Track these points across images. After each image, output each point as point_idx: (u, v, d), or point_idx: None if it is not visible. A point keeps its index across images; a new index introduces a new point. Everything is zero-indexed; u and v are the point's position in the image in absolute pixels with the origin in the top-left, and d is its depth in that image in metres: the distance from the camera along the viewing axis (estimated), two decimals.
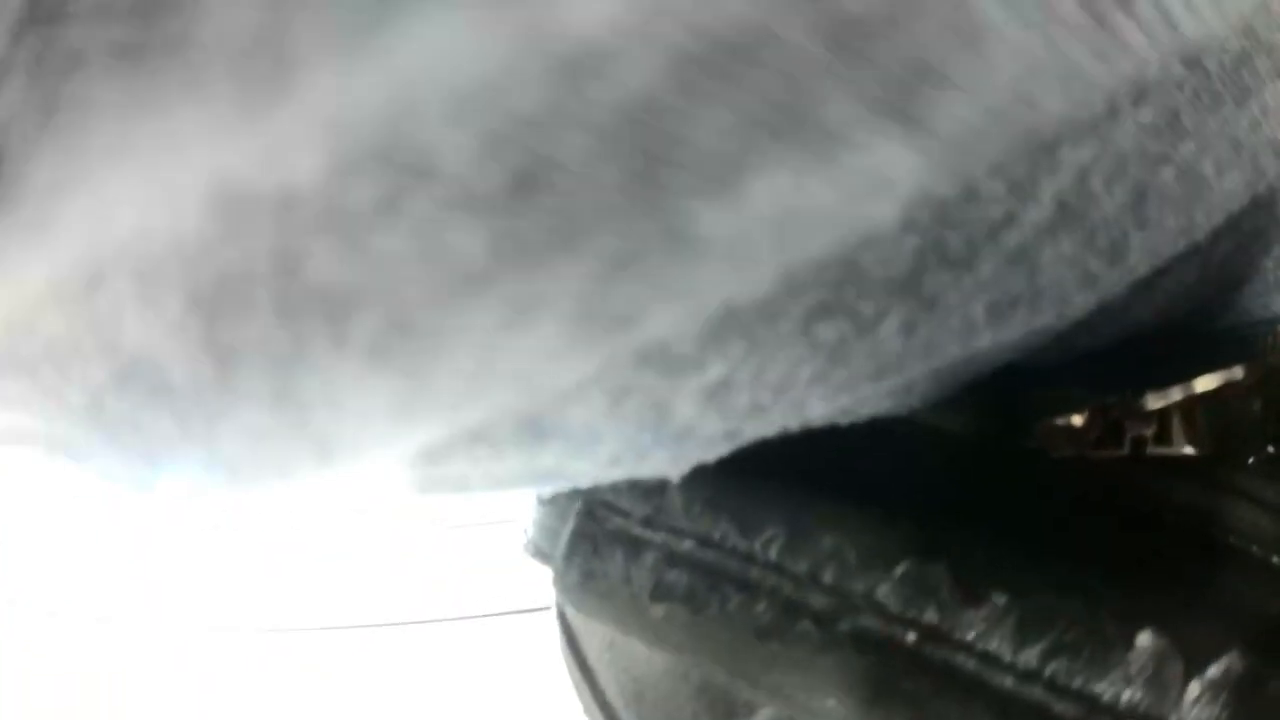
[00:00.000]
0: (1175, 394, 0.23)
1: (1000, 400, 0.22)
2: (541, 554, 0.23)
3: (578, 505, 0.22)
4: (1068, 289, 0.17)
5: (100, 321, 0.14)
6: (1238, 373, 0.24)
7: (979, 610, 0.18)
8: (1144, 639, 0.18)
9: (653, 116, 0.11)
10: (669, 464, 0.18)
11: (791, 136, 0.12)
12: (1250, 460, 0.24)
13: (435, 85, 0.11)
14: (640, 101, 0.11)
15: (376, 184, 0.12)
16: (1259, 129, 0.17)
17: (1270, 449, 0.24)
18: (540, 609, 0.25)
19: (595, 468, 0.18)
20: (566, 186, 0.12)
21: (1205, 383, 0.23)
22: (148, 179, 0.12)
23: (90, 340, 0.14)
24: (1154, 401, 0.23)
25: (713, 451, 0.18)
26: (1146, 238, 0.17)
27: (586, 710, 0.24)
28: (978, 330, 0.17)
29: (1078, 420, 0.24)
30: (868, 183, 0.13)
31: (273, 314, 0.13)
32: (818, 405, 0.17)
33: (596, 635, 0.23)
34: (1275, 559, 0.21)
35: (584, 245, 0.12)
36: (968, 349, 0.17)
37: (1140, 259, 0.17)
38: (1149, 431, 0.24)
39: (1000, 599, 0.18)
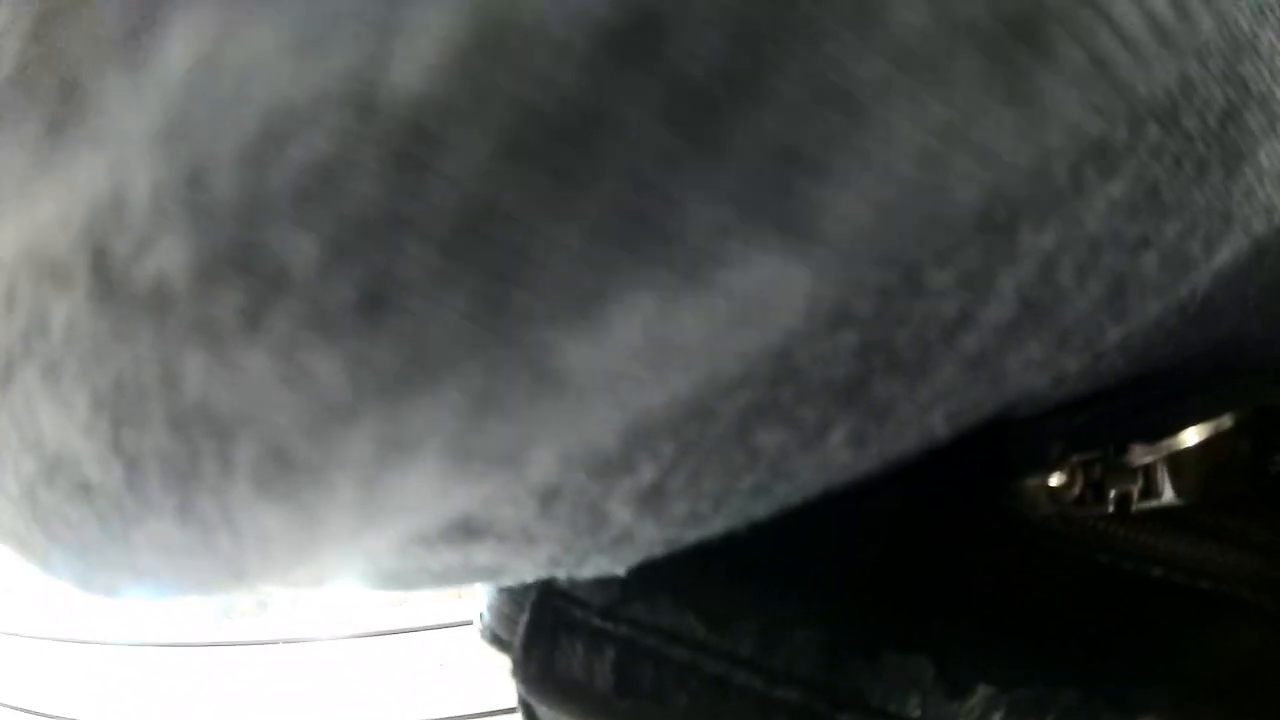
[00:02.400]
0: (1163, 449, 0.23)
1: (973, 459, 0.21)
2: (499, 641, 0.22)
3: (533, 595, 0.21)
4: (1038, 390, 0.16)
5: (19, 417, 0.14)
6: (1227, 422, 0.23)
7: (965, 703, 0.17)
8: (1134, 696, 0.16)
9: (493, 222, 0.10)
10: (610, 566, 0.17)
11: (651, 247, 0.10)
12: (1236, 501, 0.23)
13: (280, 175, 0.10)
14: (477, 202, 0.10)
15: (239, 292, 0.11)
16: (1253, 196, 0.14)
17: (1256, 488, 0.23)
18: None
19: (535, 567, 0.17)
20: (416, 309, 0.11)
21: (1196, 435, 0.22)
22: (37, 261, 0.12)
23: (14, 435, 0.14)
24: (1141, 456, 0.22)
25: (654, 553, 0.17)
26: (1126, 329, 0.15)
27: None
28: (937, 437, 0.15)
29: (1056, 479, 0.23)
30: (750, 303, 0.11)
31: (165, 427, 0.13)
32: (762, 513, 0.16)
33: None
34: (1266, 602, 0.20)
35: (443, 380, 0.11)
36: (926, 449, 0.16)
37: (1115, 346, 0.16)
38: (1135, 487, 0.23)
39: (987, 690, 0.17)
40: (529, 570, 0.17)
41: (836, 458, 0.15)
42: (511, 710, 0.22)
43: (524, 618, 0.21)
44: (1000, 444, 0.21)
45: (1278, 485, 0.23)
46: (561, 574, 0.17)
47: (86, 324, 0.12)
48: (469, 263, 0.11)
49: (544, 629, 0.20)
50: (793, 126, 0.10)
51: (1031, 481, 0.23)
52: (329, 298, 0.11)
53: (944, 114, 0.10)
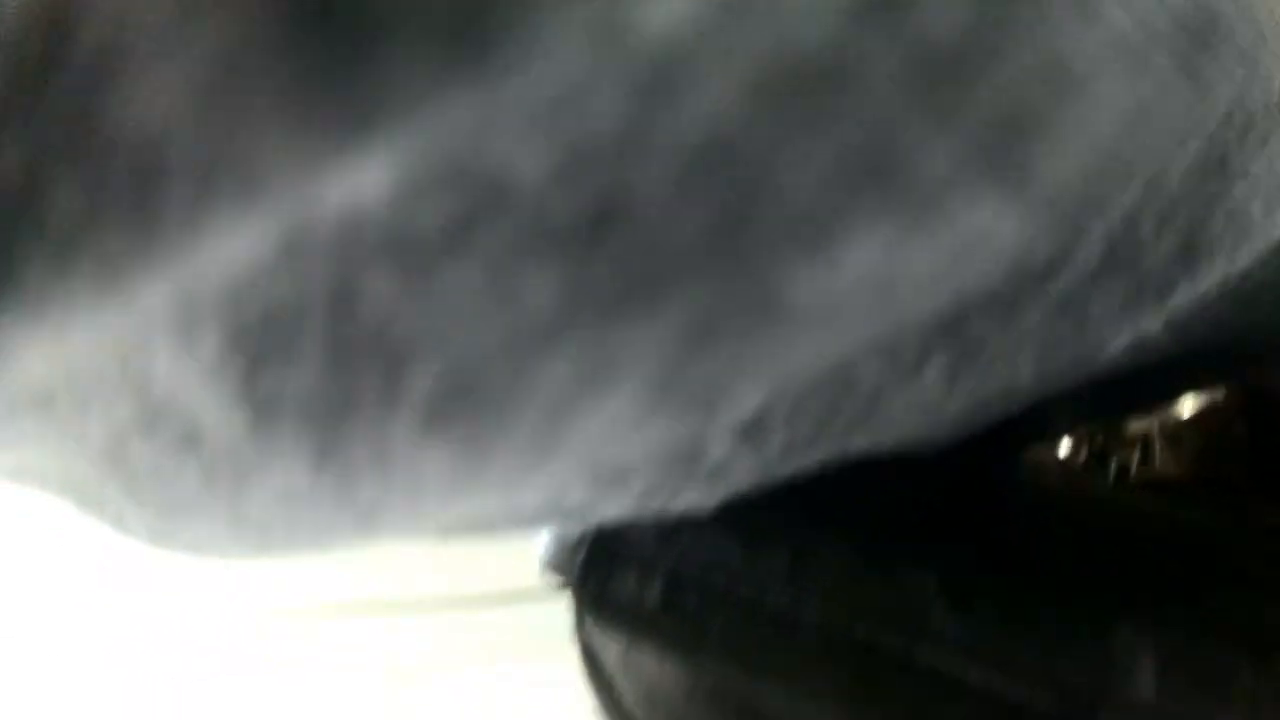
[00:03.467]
0: (1158, 417, 0.25)
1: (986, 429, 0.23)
2: (558, 572, 0.25)
3: (591, 526, 0.23)
4: (1110, 339, 0.16)
5: (128, 355, 0.13)
6: (1219, 395, 0.25)
7: (965, 616, 0.20)
8: (1121, 634, 0.19)
9: (733, 154, 0.11)
10: (700, 501, 0.17)
11: (881, 194, 0.11)
12: (1232, 480, 0.25)
13: (518, 95, 0.10)
14: (719, 134, 0.10)
15: (447, 208, 0.11)
16: None
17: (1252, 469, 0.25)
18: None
19: (623, 507, 0.17)
20: (645, 230, 0.11)
21: (1189, 405, 0.24)
22: (202, 197, 0.11)
23: (116, 375, 0.13)
24: (1137, 425, 0.24)
25: (744, 488, 0.17)
26: (1193, 287, 0.16)
27: (602, 716, 0.25)
28: (1020, 380, 0.16)
29: (1063, 448, 0.25)
30: (966, 246, 0.12)
31: (321, 359, 0.12)
32: (855, 446, 0.16)
33: (613, 646, 0.24)
34: (1253, 567, 0.21)
35: (664, 305, 0.11)
36: (1008, 397, 0.16)
37: (1183, 303, 0.16)
38: (1133, 457, 0.25)
39: (984, 604, 0.20)
40: (616, 509, 0.17)
41: (929, 393, 0.15)
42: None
43: (583, 548, 0.24)
44: (1012, 414, 0.23)
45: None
46: (649, 510, 0.17)
47: (246, 255, 0.11)
48: (705, 188, 0.11)
49: (601, 558, 0.23)
50: (1017, 91, 0.11)
51: (1041, 450, 0.25)
52: (554, 212, 0.11)
53: (1140, 94, 0.12)
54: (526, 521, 0.18)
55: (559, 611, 0.26)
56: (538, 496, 0.15)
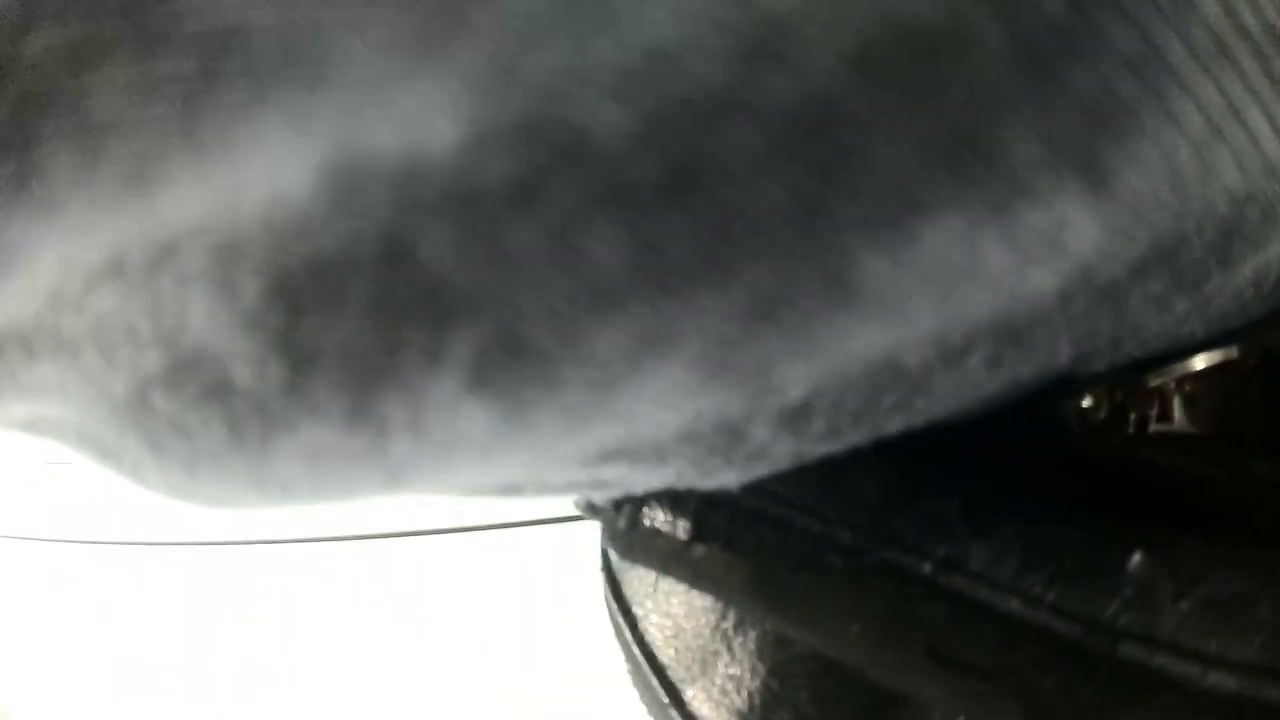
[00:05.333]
0: (1175, 371, 0.25)
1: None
2: (591, 508, 0.25)
3: None
4: (1149, 329, 0.16)
5: (162, 302, 0.12)
6: (1234, 353, 0.25)
7: (988, 541, 0.20)
8: (1136, 561, 0.19)
9: (829, 122, 0.10)
10: (735, 480, 0.17)
11: (971, 174, 0.11)
12: (1247, 438, 0.26)
13: (611, 49, 0.10)
14: (819, 100, 0.10)
15: (518, 162, 0.10)
16: None
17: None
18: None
19: (656, 482, 0.17)
20: (725, 194, 0.11)
21: (1203, 361, 0.25)
22: (254, 137, 0.10)
23: (146, 323, 0.13)
24: (1154, 379, 0.25)
25: (780, 467, 0.17)
26: (1226, 275, 0.16)
27: (623, 650, 0.26)
28: (1059, 362, 0.16)
29: (1086, 402, 0.26)
30: (1040, 243, 0.12)
31: (366, 312, 0.11)
32: (893, 429, 0.16)
33: (640, 579, 0.25)
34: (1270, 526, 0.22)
35: (734, 274, 0.11)
36: (1044, 376, 0.16)
37: (1215, 292, 0.16)
38: (1152, 411, 0.26)
39: (1006, 531, 0.20)
40: (647, 484, 0.17)
41: (973, 377, 0.15)
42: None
43: None
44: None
45: None
46: (681, 485, 0.17)
47: (297, 197, 0.11)
48: (794, 155, 0.10)
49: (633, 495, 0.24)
50: (1111, 85, 0.11)
51: (1064, 404, 0.26)
52: (632, 172, 0.10)
53: (1228, 96, 0.12)
54: (556, 491, 0.18)
55: (581, 538, 0.26)
56: (569, 468, 0.15)
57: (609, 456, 0.15)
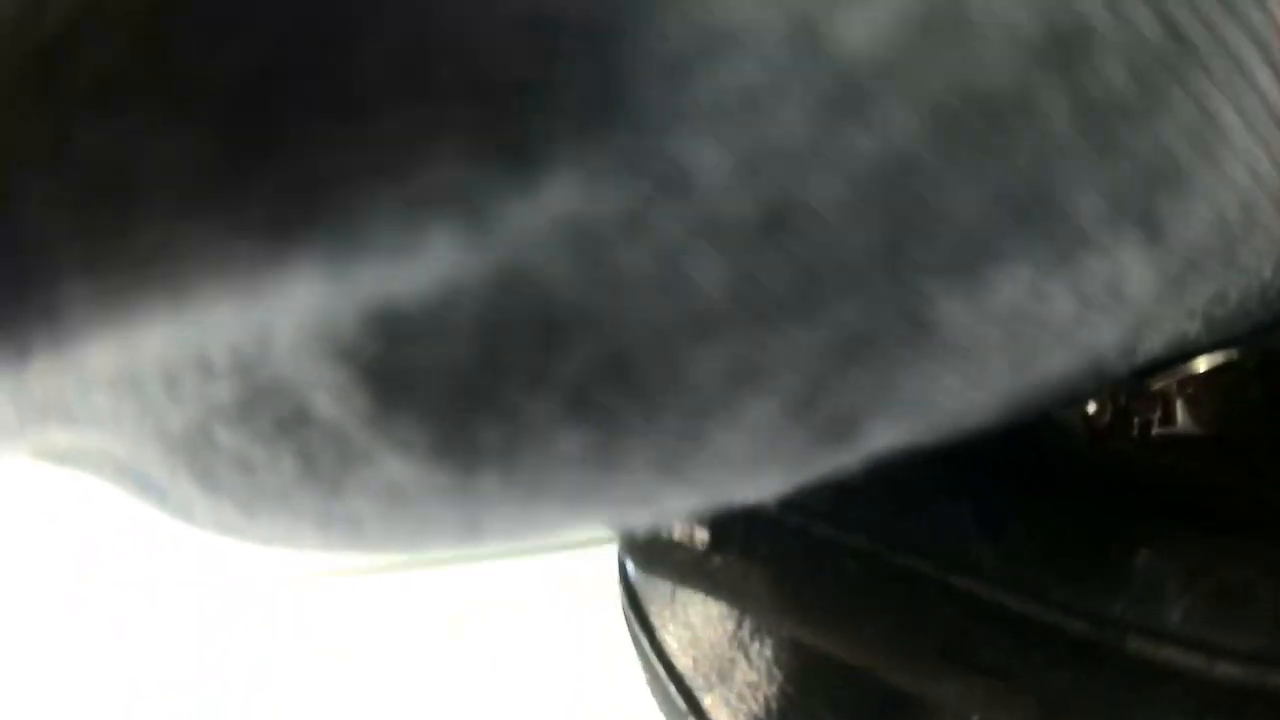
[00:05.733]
0: (1177, 374, 0.26)
1: None
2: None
3: None
4: (1153, 338, 0.17)
5: (247, 334, 0.12)
6: (1235, 355, 0.26)
7: (998, 544, 0.21)
8: (1141, 558, 0.20)
9: (908, 175, 0.11)
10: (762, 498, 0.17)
11: (1039, 226, 0.12)
12: (1249, 439, 0.26)
13: (709, 90, 0.10)
14: (897, 154, 0.11)
15: (628, 194, 0.11)
16: None
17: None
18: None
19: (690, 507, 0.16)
20: (814, 235, 0.11)
21: (1205, 364, 0.26)
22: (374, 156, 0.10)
23: (224, 356, 0.12)
24: (1157, 381, 0.26)
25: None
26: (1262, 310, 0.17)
27: (641, 659, 0.27)
28: (1072, 375, 0.16)
29: (1090, 407, 0.26)
30: (1102, 291, 0.12)
31: (473, 338, 0.11)
32: (926, 440, 0.16)
33: (657, 590, 0.26)
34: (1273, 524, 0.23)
35: (823, 310, 0.11)
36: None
37: (1235, 297, 0.17)
38: (1155, 414, 0.26)
39: (1016, 533, 0.21)
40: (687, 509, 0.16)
41: (992, 401, 0.15)
42: None
43: None
44: None
45: None
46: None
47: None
48: (876, 204, 0.11)
49: None
50: (1168, 148, 0.12)
51: (1070, 410, 0.26)
52: (729, 208, 0.11)
53: (1276, 157, 0.13)
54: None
55: (597, 562, 0.26)
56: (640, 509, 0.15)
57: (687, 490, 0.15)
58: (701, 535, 0.24)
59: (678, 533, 0.24)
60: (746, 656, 0.24)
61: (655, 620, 0.26)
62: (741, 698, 0.25)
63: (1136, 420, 0.27)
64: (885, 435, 0.13)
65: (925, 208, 0.11)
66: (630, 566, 0.26)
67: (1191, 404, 0.27)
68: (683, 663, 0.25)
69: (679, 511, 0.15)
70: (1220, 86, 0.12)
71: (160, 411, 0.13)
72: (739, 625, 0.24)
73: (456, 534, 0.14)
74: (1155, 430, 0.27)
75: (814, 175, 0.11)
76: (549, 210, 0.11)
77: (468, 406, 0.12)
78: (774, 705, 0.24)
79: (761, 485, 0.14)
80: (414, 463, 0.12)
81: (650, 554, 0.25)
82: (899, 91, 0.11)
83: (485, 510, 0.13)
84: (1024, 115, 0.11)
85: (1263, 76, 0.12)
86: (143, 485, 0.15)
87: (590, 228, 0.11)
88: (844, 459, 0.13)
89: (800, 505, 0.23)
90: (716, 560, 0.23)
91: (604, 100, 0.10)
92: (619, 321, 0.11)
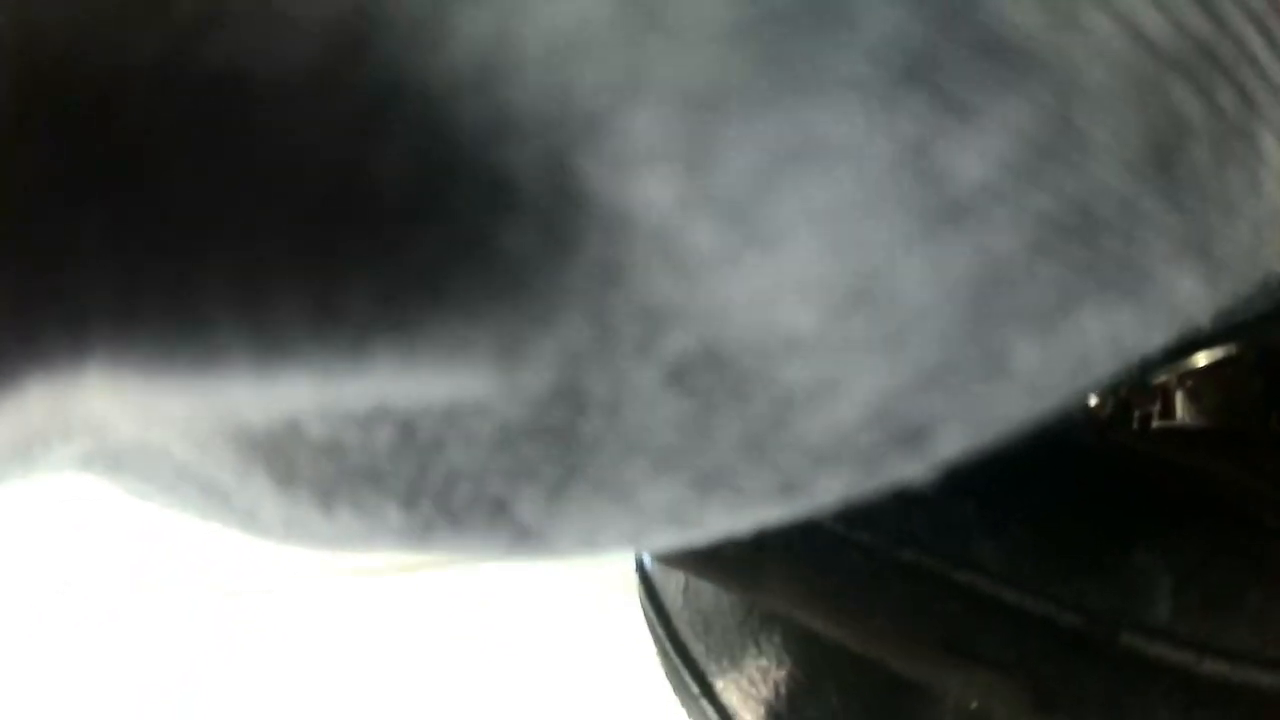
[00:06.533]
0: (1177, 368, 0.27)
1: None
2: None
3: None
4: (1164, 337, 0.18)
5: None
6: (1235, 349, 0.27)
7: (999, 540, 0.22)
8: (1137, 555, 0.21)
9: (996, 266, 0.12)
10: (779, 516, 0.18)
11: (1111, 280, 0.12)
12: (1248, 432, 0.27)
13: (809, 192, 0.11)
14: (990, 258, 0.12)
15: (718, 229, 0.11)
16: None
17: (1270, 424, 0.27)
18: None
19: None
20: (902, 309, 0.12)
21: (1205, 358, 0.26)
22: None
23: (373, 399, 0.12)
24: (1158, 375, 0.26)
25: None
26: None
27: (656, 645, 0.28)
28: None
29: (1092, 401, 0.27)
30: (1163, 316, 0.13)
31: (583, 317, 0.12)
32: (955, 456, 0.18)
33: (673, 581, 0.27)
34: (1268, 518, 0.23)
35: (905, 349, 0.12)
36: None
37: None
38: (1155, 408, 0.27)
39: (1017, 530, 0.22)
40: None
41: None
42: None
43: None
44: None
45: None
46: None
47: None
48: (963, 285, 0.12)
49: None
50: (1230, 190, 0.13)
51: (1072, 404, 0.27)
52: (822, 276, 0.11)
53: None
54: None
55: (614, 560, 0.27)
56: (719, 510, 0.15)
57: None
58: None
59: None
60: (757, 644, 0.25)
61: (670, 608, 0.27)
62: (753, 681, 0.26)
63: (1137, 413, 0.28)
64: (955, 443, 0.14)
65: (1008, 285, 0.12)
66: (647, 559, 0.27)
67: (1191, 397, 0.27)
68: (696, 648, 0.26)
69: (757, 499, 0.15)
70: (1268, 123, 0.13)
71: (241, 409, 0.13)
72: (750, 613, 0.25)
73: (550, 488, 0.14)
74: (1155, 423, 0.28)
75: (904, 281, 0.11)
76: (642, 230, 0.11)
77: (581, 364, 0.12)
78: (784, 689, 0.25)
79: (831, 486, 0.14)
80: (522, 404, 0.13)
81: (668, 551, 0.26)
82: (1004, 211, 0.11)
83: (583, 459, 0.13)
84: (1123, 214, 0.12)
85: None
86: (205, 489, 0.15)
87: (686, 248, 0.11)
88: (914, 466, 0.14)
89: None
90: (730, 550, 0.24)
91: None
92: (712, 317, 0.12)
